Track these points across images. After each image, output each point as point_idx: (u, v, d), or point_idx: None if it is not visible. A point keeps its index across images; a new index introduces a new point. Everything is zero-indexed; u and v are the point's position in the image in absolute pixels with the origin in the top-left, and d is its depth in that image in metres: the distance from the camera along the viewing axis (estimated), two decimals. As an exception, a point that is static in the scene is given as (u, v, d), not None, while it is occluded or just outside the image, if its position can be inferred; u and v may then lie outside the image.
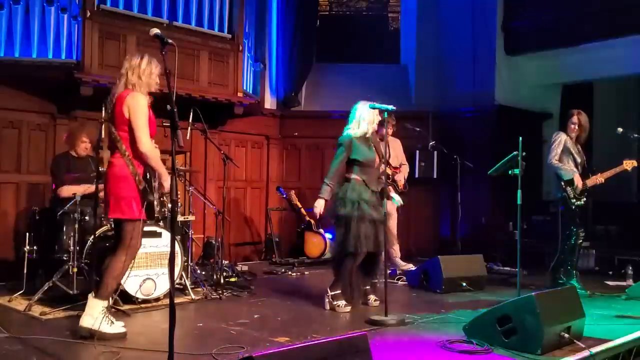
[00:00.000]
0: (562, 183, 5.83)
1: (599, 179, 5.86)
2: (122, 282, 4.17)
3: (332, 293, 4.84)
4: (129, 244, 3.82)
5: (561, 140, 5.90)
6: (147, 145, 3.77)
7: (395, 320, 4.34)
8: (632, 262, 6.79)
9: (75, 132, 5.55)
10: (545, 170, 6.17)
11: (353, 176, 4.88)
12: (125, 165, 3.77)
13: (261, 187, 8.90)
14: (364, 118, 4.91)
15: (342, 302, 4.80)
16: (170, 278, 2.99)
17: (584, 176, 5.88)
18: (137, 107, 3.75)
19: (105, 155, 4.26)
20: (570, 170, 5.82)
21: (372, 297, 5.04)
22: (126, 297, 4.69)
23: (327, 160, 8.98)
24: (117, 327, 3.81)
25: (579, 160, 5.91)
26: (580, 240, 5.95)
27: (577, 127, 5.91)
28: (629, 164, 5.82)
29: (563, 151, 5.89)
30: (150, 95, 3.92)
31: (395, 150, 6.77)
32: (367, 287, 5.08)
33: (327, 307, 4.86)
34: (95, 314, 3.72)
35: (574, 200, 5.80)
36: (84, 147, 5.42)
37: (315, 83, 9.29)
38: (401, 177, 6.67)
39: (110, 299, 3.98)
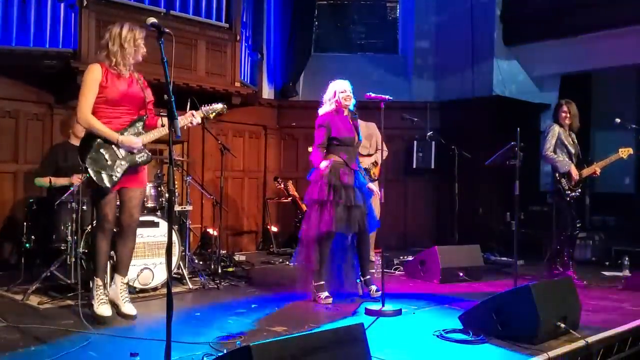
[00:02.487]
0: (557, 175, 5.84)
1: (595, 169, 5.88)
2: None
3: (316, 284, 4.74)
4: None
5: (555, 132, 5.91)
6: (80, 117, 3.83)
7: (391, 310, 4.35)
8: (629, 253, 6.81)
9: (69, 117, 5.57)
10: (543, 161, 6.19)
11: (332, 157, 4.81)
12: None
13: (259, 177, 8.89)
14: (327, 95, 4.92)
15: (324, 294, 4.70)
16: (167, 268, 2.99)
17: (579, 167, 5.89)
18: (83, 79, 3.84)
19: None
20: (565, 162, 5.83)
21: (373, 288, 4.91)
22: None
23: (325, 151, 9.00)
24: (104, 309, 3.86)
25: (573, 151, 5.91)
26: (577, 232, 5.97)
27: (568, 115, 5.92)
28: (624, 152, 5.85)
29: (557, 143, 5.90)
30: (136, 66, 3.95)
31: (367, 134, 6.59)
32: (368, 277, 4.99)
33: (314, 298, 4.74)
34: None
35: (569, 192, 5.81)
36: (81, 128, 5.38)
37: (313, 73, 9.26)
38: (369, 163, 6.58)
39: (101, 279, 4.00)
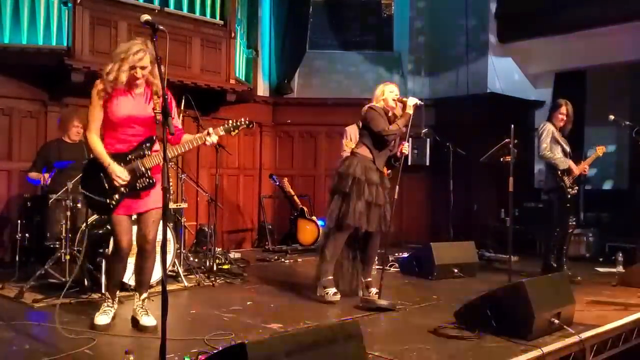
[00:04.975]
0: (559, 172, 5.84)
1: (584, 166, 5.91)
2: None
3: (324, 279, 4.67)
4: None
5: (549, 131, 5.91)
6: (86, 133, 3.69)
7: (387, 307, 4.36)
8: (623, 249, 6.84)
9: (67, 117, 5.54)
10: (537, 159, 6.20)
11: (362, 151, 4.73)
12: None
13: (254, 174, 8.90)
14: (375, 94, 4.86)
15: (331, 290, 4.63)
16: (162, 265, 2.98)
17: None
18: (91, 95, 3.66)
19: None
20: (563, 159, 5.85)
21: (373, 290, 4.82)
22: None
23: (321, 148, 9.03)
24: (101, 318, 3.74)
25: (567, 149, 5.93)
26: (572, 229, 5.99)
27: (565, 118, 5.93)
28: (600, 150, 5.96)
29: (551, 141, 5.91)
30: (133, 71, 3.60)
31: None
32: (369, 279, 4.90)
33: (318, 293, 4.70)
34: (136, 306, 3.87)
35: (570, 189, 5.83)
36: (76, 131, 5.40)
37: (309, 70, 9.27)
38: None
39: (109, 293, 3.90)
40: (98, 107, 3.61)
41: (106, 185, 3.64)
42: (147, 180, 3.70)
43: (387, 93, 4.80)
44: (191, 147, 3.80)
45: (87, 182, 3.72)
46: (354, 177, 4.61)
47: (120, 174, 3.60)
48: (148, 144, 3.72)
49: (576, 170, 5.83)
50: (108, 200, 3.64)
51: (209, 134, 3.70)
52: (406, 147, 4.78)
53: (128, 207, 3.71)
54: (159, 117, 3.53)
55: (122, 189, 3.65)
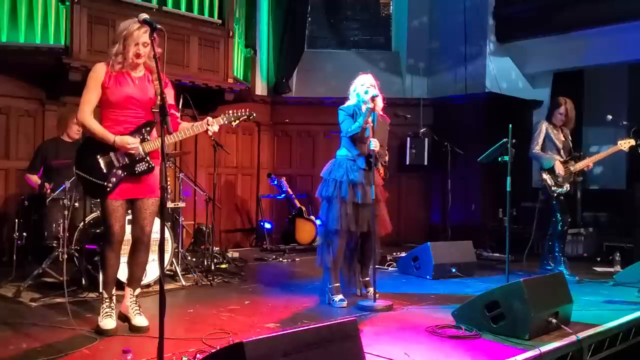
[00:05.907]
0: (543, 172, 5.85)
1: (587, 163, 5.88)
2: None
3: (330, 287, 4.61)
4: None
5: (542, 129, 5.92)
6: (78, 115, 3.59)
7: (384, 306, 4.36)
8: (620, 248, 6.86)
9: (67, 114, 5.54)
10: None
11: (342, 153, 4.71)
12: None
13: (252, 173, 8.89)
14: (351, 90, 4.79)
15: (338, 297, 4.57)
16: (160, 264, 2.98)
17: (571, 162, 5.90)
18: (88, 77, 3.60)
19: None
20: (550, 158, 5.84)
21: (371, 290, 4.72)
22: (116, 284, 4.66)
23: (319, 147, 9.02)
24: (107, 322, 3.63)
25: (561, 146, 5.92)
26: (566, 227, 5.99)
27: (564, 118, 5.92)
28: (625, 144, 5.72)
29: (545, 140, 5.90)
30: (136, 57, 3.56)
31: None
32: (367, 279, 4.86)
33: (328, 301, 4.61)
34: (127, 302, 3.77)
35: (555, 187, 5.83)
36: (76, 129, 5.40)
37: (307, 69, 9.26)
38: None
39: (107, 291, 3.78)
40: (95, 90, 3.55)
41: (103, 167, 3.57)
42: (147, 164, 3.63)
43: (359, 87, 4.71)
44: (188, 135, 3.73)
45: (82, 163, 3.61)
46: (336, 180, 4.58)
47: (133, 142, 3.54)
48: (148, 128, 3.66)
49: (561, 169, 5.80)
50: (105, 183, 3.56)
51: (209, 123, 3.61)
52: (372, 143, 4.48)
53: (124, 192, 3.62)
54: (158, 99, 3.40)
55: (120, 171, 3.57)
